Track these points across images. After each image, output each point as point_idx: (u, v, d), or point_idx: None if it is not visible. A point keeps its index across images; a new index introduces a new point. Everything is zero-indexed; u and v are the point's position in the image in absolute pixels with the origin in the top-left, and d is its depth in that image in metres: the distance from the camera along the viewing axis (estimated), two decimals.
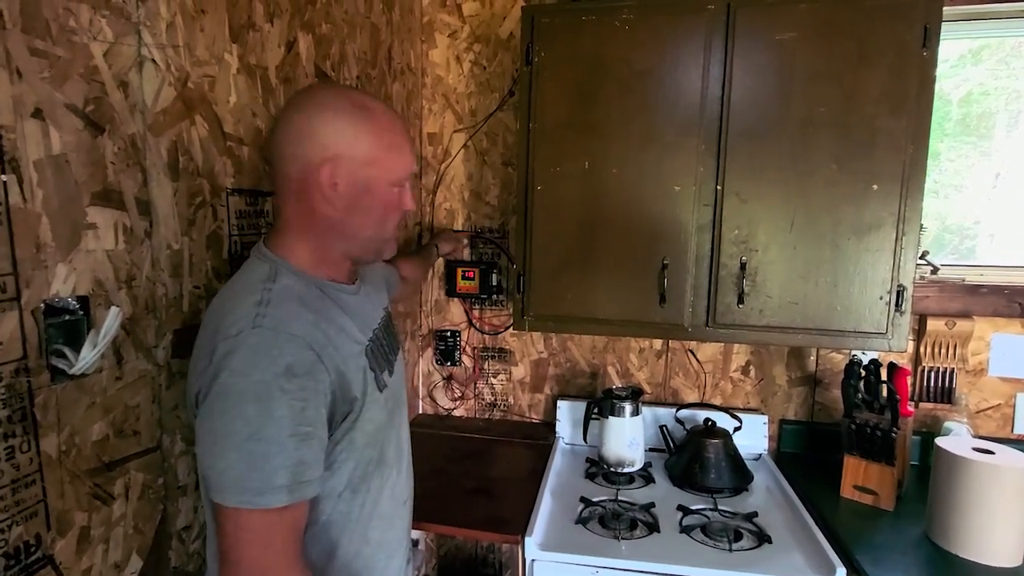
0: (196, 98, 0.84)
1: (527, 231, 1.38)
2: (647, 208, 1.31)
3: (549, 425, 1.76)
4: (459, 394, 1.86)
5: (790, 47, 1.22)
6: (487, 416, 1.85)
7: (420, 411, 1.89)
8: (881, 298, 1.24)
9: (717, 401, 1.68)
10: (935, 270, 1.52)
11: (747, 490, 1.41)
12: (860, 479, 1.35)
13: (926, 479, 1.24)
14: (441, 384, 1.87)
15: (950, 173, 1.65)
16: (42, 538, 0.64)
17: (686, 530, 1.22)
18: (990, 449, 1.16)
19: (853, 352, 1.45)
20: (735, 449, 1.46)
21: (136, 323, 0.76)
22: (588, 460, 1.55)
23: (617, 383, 1.73)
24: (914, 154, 1.19)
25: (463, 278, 1.74)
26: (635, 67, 1.28)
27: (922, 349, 1.55)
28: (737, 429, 1.51)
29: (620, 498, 1.35)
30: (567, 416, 1.69)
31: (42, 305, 0.62)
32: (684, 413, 1.60)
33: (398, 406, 0.89)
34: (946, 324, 1.52)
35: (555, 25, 1.31)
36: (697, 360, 1.69)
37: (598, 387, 1.74)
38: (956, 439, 1.25)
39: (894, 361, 1.39)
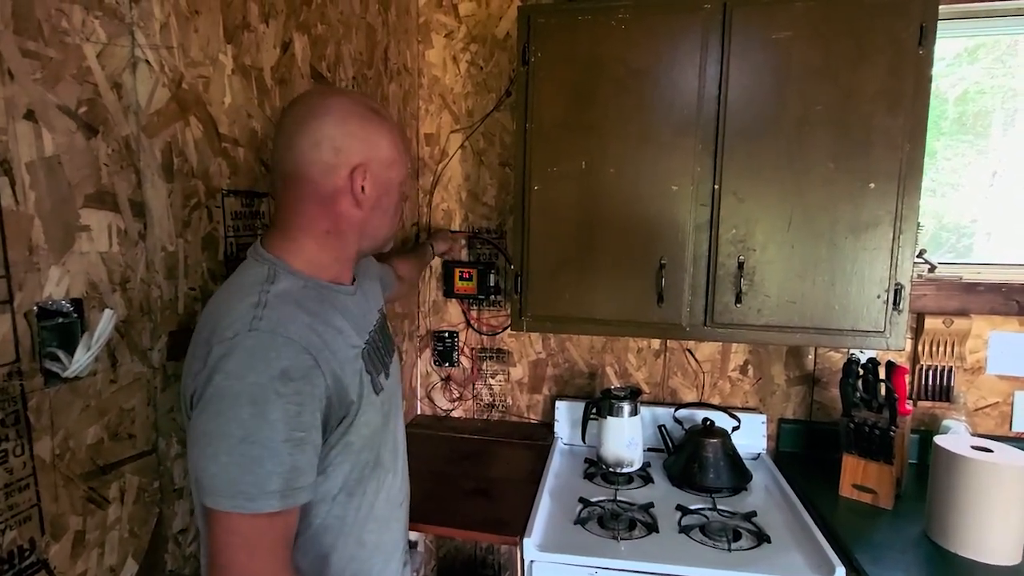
0: (190, 99, 0.84)
1: (524, 231, 1.37)
2: (644, 208, 1.31)
3: (547, 425, 1.76)
4: (457, 395, 1.86)
5: (786, 46, 1.22)
6: (485, 417, 1.85)
7: (418, 412, 1.89)
8: (879, 297, 1.24)
9: (715, 401, 1.68)
10: (932, 268, 1.52)
11: (746, 489, 1.41)
12: (859, 478, 1.35)
13: (925, 478, 1.24)
14: (439, 385, 1.87)
15: (947, 172, 1.65)
16: (36, 543, 0.63)
17: (685, 530, 1.22)
18: (988, 447, 1.16)
19: (851, 351, 1.45)
20: (734, 449, 1.46)
21: (131, 325, 0.75)
22: (587, 460, 1.55)
23: (615, 383, 1.73)
24: (911, 152, 1.19)
25: (461, 279, 1.74)
26: (631, 67, 1.28)
27: (920, 347, 1.55)
28: (736, 428, 1.51)
29: (619, 498, 1.35)
30: (565, 416, 1.69)
31: (35, 308, 0.62)
32: (682, 413, 1.59)
33: (394, 408, 0.89)
34: (944, 322, 1.52)
35: (551, 25, 1.31)
36: (695, 360, 1.69)
37: (596, 387, 1.73)
38: (954, 437, 1.25)
39: (892, 360, 1.39)
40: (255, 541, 0.63)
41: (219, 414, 0.63)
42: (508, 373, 1.81)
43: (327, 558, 0.76)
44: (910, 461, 1.49)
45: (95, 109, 0.68)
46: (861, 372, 1.38)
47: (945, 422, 1.51)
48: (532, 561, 1.15)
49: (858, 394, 1.38)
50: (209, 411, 0.63)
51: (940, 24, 1.17)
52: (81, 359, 0.65)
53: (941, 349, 1.54)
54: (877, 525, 1.24)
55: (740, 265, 1.27)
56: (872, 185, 1.21)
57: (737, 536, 1.20)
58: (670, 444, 1.55)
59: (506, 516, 1.26)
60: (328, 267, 0.79)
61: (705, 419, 1.51)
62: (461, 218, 1.80)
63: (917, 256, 1.42)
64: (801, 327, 1.27)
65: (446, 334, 1.83)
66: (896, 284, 1.23)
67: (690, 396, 1.70)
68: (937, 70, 1.19)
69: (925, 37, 1.17)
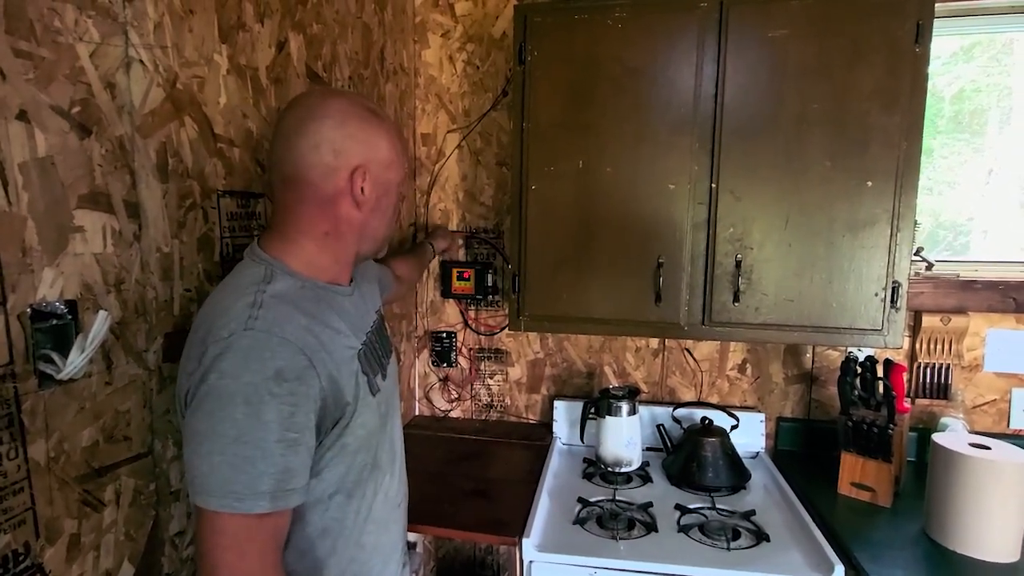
0: (185, 99, 0.83)
1: (522, 231, 1.37)
2: (642, 207, 1.31)
3: (546, 425, 1.76)
4: (455, 395, 1.85)
5: (783, 44, 1.22)
6: (484, 417, 1.84)
7: (416, 413, 1.88)
8: (876, 295, 1.24)
9: (714, 399, 1.68)
10: (930, 266, 1.52)
11: (745, 488, 1.41)
12: (857, 476, 1.35)
13: (923, 475, 1.24)
14: (437, 385, 1.86)
15: (943, 170, 1.66)
16: (31, 546, 0.63)
17: (684, 529, 1.22)
18: (986, 445, 1.16)
19: (849, 349, 1.45)
20: (732, 447, 1.46)
21: (126, 327, 0.75)
22: (585, 460, 1.55)
23: (614, 383, 1.73)
24: (908, 150, 1.19)
25: (458, 279, 1.74)
26: (628, 65, 1.28)
27: (918, 345, 1.55)
28: (734, 427, 1.51)
29: (618, 498, 1.35)
30: (564, 416, 1.68)
31: (29, 309, 0.61)
32: (681, 412, 1.59)
33: (391, 410, 0.89)
34: (941, 320, 1.52)
35: (548, 24, 1.31)
36: (693, 359, 1.69)
37: (595, 387, 1.73)
38: (952, 435, 1.25)
39: (890, 358, 1.39)
40: (245, 542, 0.63)
41: (212, 413, 0.62)
42: (506, 373, 1.81)
43: (326, 560, 0.76)
44: (908, 459, 1.49)
45: (88, 109, 0.68)
46: (859, 370, 1.38)
47: (943, 420, 1.51)
48: (531, 561, 1.15)
49: (856, 392, 1.38)
50: (203, 410, 0.63)
51: (936, 22, 1.17)
52: (75, 361, 0.64)
53: (939, 347, 1.54)
54: (876, 523, 1.24)
55: (738, 264, 1.27)
56: (869, 183, 1.21)
57: (736, 535, 1.20)
58: (669, 443, 1.55)
59: (505, 516, 1.25)
60: (327, 269, 0.79)
61: (703, 418, 1.51)
62: (458, 218, 1.80)
63: (914, 254, 1.43)
64: (799, 325, 1.27)
65: (444, 334, 1.82)
66: (893, 282, 1.23)
67: (688, 395, 1.70)
68: (933, 68, 1.20)
69: (921, 35, 1.17)
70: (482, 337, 1.81)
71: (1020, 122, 1.59)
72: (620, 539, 1.18)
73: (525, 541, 1.15)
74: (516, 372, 1.80)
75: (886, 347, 1.26)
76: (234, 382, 0.62)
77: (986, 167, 1.63)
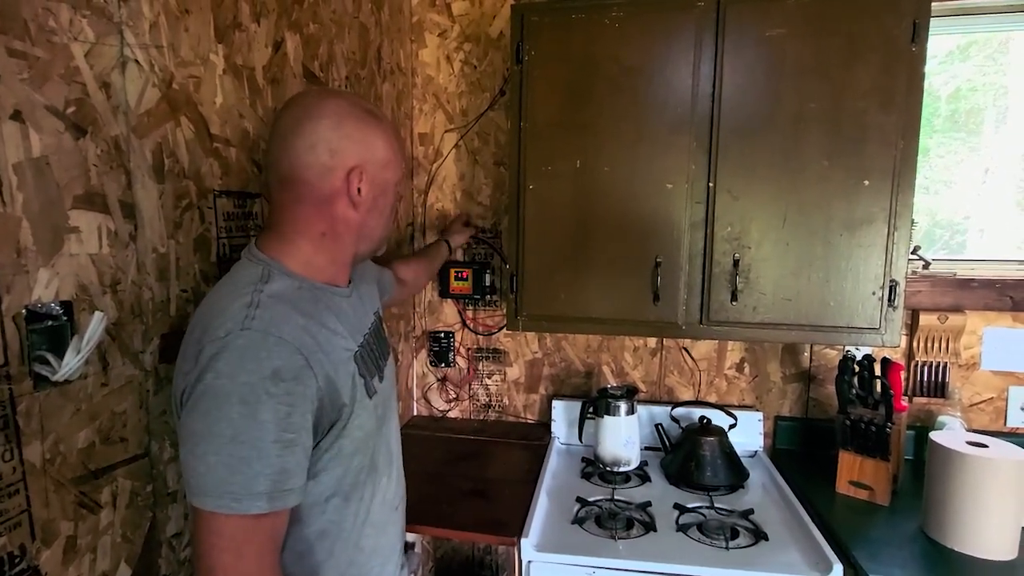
0: (181, 99, 0.83)
1: (520, 231, 1.37)
2: (639, 206, 1.31)
3: (544, 425, 1.76)
4: (453, 395, 1.85)
5: (780, 43, 1.22)
6: (482, 417, 1.84)
7: (414, 413, 1.88)
8: (874, 293, 1.24)
9: (712, 399, 1.68)
10: (927, 265, 1.53)
11: (743, 487, 1.41)
12: (855, 474, 1.35)
13: (921, 474, 1.24)
14: (435, 385, 1.86)
15: (940, 169, 1.66)
16: (27, 548, 0.62)
17: (683, 528, 1.22)
18: (984, 443, 1.16)
19: (847, 348, 1.46)
20: (730, 446, 1.46)
21: (122, 328, 0.74)
22: (584, 460, 1.54)
23: (612, 382, 1.73)
24: (905, 149, 1.20)
25: (456, 278, 1.73)
26: (625, 65, 1.28)
27: (915, 344, 1.56)
28: (732, 426, 1.51)
29: (616, 497, 1.35)
30: (562, 416, 1.68)
31: (24, 311, 0.61)
32: (679, 411, 1.59)
33: (388, 412, 0.88)
34: (938, 318, 1.53)
35: (544, 23, 1.31)
36: (692, 358, 1.69)
37: (593, 386, 1.73)
38: (950, 433, 1.25)
39: (887, 356, 1.40)
40: (242, 543, 0.62)
41: (208, 413, 0.62)
42: (504, 373, 1.80)
43: (323, 563, 0.75)
44: (906, 457, 1.49)
45: (83, 109, 0.68)
46: (857, 369, 1.38)
47: (940, 418, 1.51)
48: (530, 561, 1.15)
49: (854, 391, 1.38)
50: (199, 410, 0.62)
51: (932, 21, 1.18)
52: (71, 362, 0.64)
53: (936, 345, 1.54)
54: (874, 521, 1.24)
55: (735, 263, 1.27)
56: (866, 182, 1.21)
57: (735, 534, 1.20)
58: (667, 443, 1.55)
59: (503, 516, 1.25)
60: (324, 269, 0.78)
61: (702, 417, 1.51)
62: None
63: (911, 253, 1.43)
64: (797, 324, 1.28)
65: (442, 334, 1.82)
66: (891, 281, 1.23)
67: (687, 394, 1.70)
68: (929, 68, 1.20)
69: (918, 34, 1.17)
70: (480, 337, 1.81)
71: (1016, 121, 1.60)
72: (619, 539, 1.18)
73: (524, 541, 1.15)
74: (514, 372, 1.80)
75: (883, 346, 1.26)
76: (230, 382, 0.62)
77: (982, 166, 1.64)
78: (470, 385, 1.83)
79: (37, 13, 0.62)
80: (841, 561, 1.08)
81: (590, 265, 1.34)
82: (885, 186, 1.21)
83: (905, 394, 1.56)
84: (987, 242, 1.64)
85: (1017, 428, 1.55)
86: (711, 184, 1.27)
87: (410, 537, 1.42)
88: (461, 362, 1.83)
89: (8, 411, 0.60)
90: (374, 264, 1.11)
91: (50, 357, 0.63)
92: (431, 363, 1.84)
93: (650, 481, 1.45)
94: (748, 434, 1.59)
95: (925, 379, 1.56)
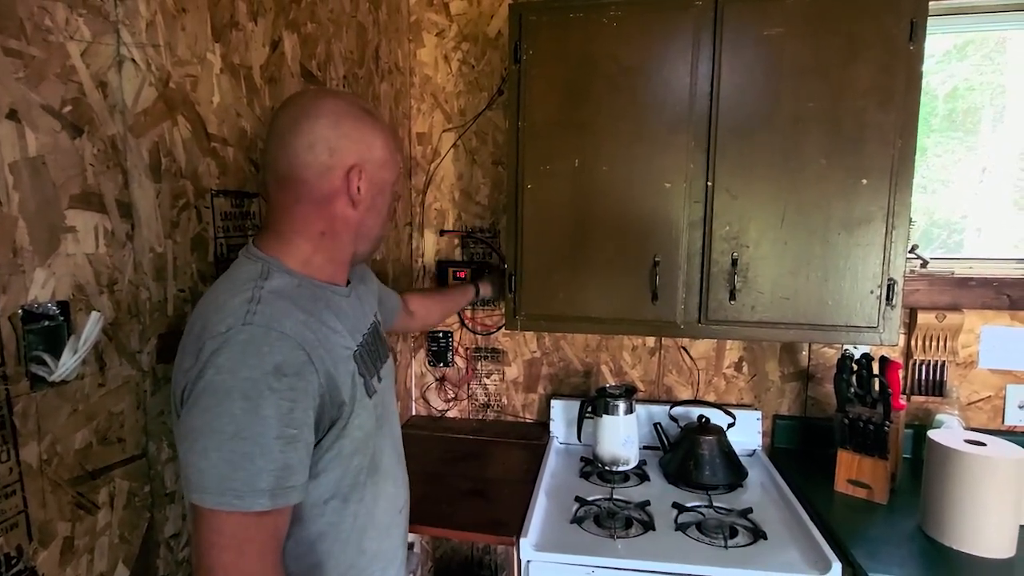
0: (178, 98, 0.83)
1: (518, 230, 1.37)
2: (638, 205, 1.30)
3: (543, 425, 1.76)
4: (452, 395, 1.85)
5: (778, 42, 1.22)
6: (481, 417, 1.84)
7: (413, 413, 1.88)
8: (872, 292, 1.24)
9: (711, 398, 1.68)
10: (924, 264, 1.53)
11: (742, 486, 1.41)
12: (854, 473, 1.35)
13: (919, 472, 1.25)
14: (434, 385, 1.86)
15: (937, 168, 1.66)
16: (24, 549, 0.62)
17: (681, 528, 1.22)
18: (981, 441, 1.16)
19: (845, 346, 1.46)
20: (729, 445, 1.46)
21: (119, 328, 0.74)
22: (583, 459, 1.54)
23: (611, 381, 1.73)
24: (902, 148, 1.20)
25: (454, 278, 1.73)
26: (623, 64, 1.28)
27: (913, 342, 1.56)
28: (731, 425, 1.51)
29: (615, 497, 1.35)
30: (561, 415, 1.68)
31: (20, 311, 0.61)
32: (678, 410, 1.59)
33: (387, 413, 0.88)
34: (936, 317, 1.53)
35: (542, 23, 1.31)
36: (690, 357, 1.69)
37: (592, 386, 1.73)
38: (948, 432, 1.25)
39: (885, 355, 1.40)
40: (244, 541, 0.62)
41: (209, 409, 0.61)
42: (503, 373, 1.80)
43: (322, 565, 0.75)
44: (904, 456, 1.49)
45: (80, 108, 0.67)
46: (855, 368, 1.38)
47: (938, 416, 1.51)
48: (528, 561, 1.15)
49: (852, 390, 1.38)
50: (200, 406, 0.62)
51: (930, 20, 1.18)
52: (68, 362, 0.63)
53: (934, 344, 1.54)
54: (872, 520, 1.24)
55: (734, 262, 1.27)
56: (864, 181, 1.21)
57: (733, 533, 1.20)
58: (666, 442, 1.55)
59: (502, 516, 1.25)
60: (323, 268, 0.78)
61: (700, 416, 1.52)
62: (454, 217, 1.79)
63: (909, 251, 1.43)
64: (795, 323, 1.28)
65: (440, 334, 1.82)
66: (889, 279, 1.23)
67: (685, 393, 1.70)
68: (927, 67, 1.20)
69: (915, 33, 1.17)
70: (478, 337, 1.81)
71: (1013, 120, 1.60)
72: (618, 538, 1.18)
73: (523, 541, 1.15)
74: (513, 371, 1.80)
75: (882, 344, 1.26)
76: (232, 377, 0.62)
77: (979, 165, 1.64)
78: (469, 385, 1.83)
79: (33, 12, 0.61)
80: (840, 560, 1.08)
81: (588, 264, 1.34)
82: (883, 185, 1.21)
83: (903, 393, 1.56)
84: (984, 241, 1.64)
85: (1015, 426, 1.56)
86: (709, 183, 1.27)
87: (409, 537, 1.42)
88: (460, 362, 1.83)
89: (4, 412, 0.59)
90: (376, 278, 1.10)
91: (47, 357, 0.62)
92: (429, 363, 1.84)
93: (649, 480, 1.45)
94: (747, 433, 1.59)
95: (923, 378, 1.56)
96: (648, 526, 1.22)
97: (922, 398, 1.58)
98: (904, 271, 1.23)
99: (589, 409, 1.53)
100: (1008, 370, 1.55)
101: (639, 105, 1.28)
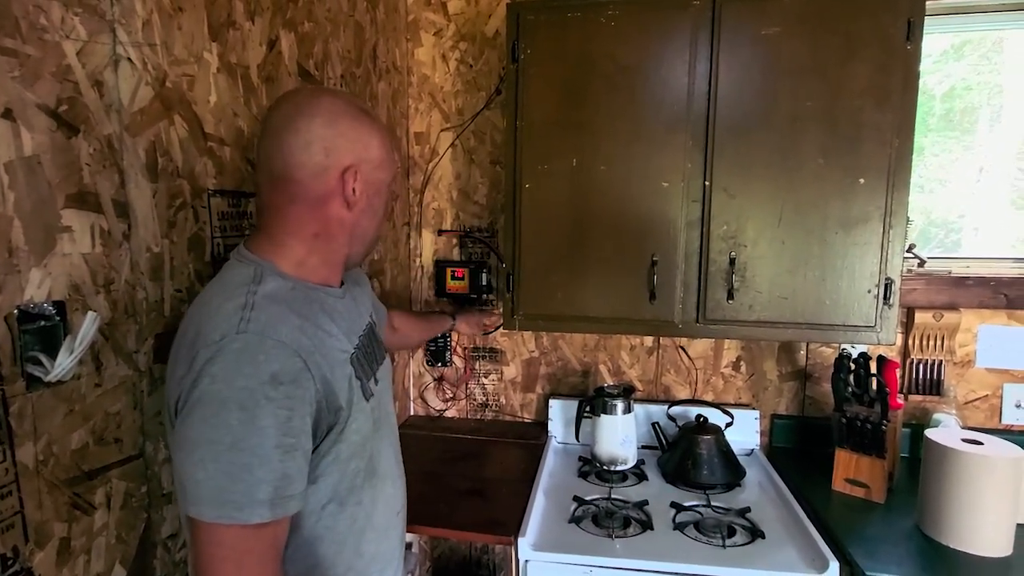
0: (175, 98, 0.82)
1: (516, 230, 1.37)
2: (636, 205, 1.30)
3: (541, 424, 1.76)
4: (450, 395, 1.85)
5: (775, 42, 1.22)
6: (479, 416, 1.84)
7: (411, 412, 1.88)
8: (869, 291, 1.24)
9: (709, 397, 1.68)
10: (922, 263, 1.53)
11: (740, 486, 1.41)
12: (851, 472, 1.35)
13: (916, 471, 1.25)
14: (432, 385, 1.86)
15: (934, 167, 1.67)
16: (20, 551, 0.62)
17: (679, 527, 1.22)
18: (979, 440, 1.17)
19: (843, 346, 1.46)
20: (727, 445, 1.46)
21: (115, 328, 0.74)
22: (581, 459, 1.54)
23: (609, 381, 1.73)
24: (900, 148, 1.20)
25: (452, 278, 1.73)
26: (621, 63, 1.28)
27: (910, 342, 1.56)
28: (729, 425, 1.51)
29: (613, 496, 1.35)
30: (559, 415, 1.68)
31: (16, 311, 0.61)
32: (676, 410, 1.59)
33: (385, 416, 0.87)
34: (934, 316, 1.53)
35: (540, 22, 1.31)
36: (688, 356, 1.69)
37: (590, 385, 1.73)
38: (945, 431, 1.25)
39: (883, 354, 1.40)
40: (243, 553, 0.61)
41: (205, 420, 0.60)
42: (501, 372, 1.80)
43: (319, 568, 0.74)
44: (902, 455, 1.50)
45: (76, 108, 0.67)
46: (852, 367, 1.39)
47: (936, 416, 1.52)
48: (527, 561, 1.15)
49: (850, 389, 1.38)
50: (195, 416, 0.61)
51: (927, 20, 1.18)
52: (64, 363, 0.63)
53: (931, 343, 1.55)
54: (870, 519, 1.25)
55: (732, 261, 1.28)
56: (862, 180, 1.22)
57: (731, 532, 1.20)
58: (664, 441, 1.55)
59: (500, 516, 1.25)
60: (317, 270, 0.77)
61: (698, 416, 1.52)
62: (452, 217, 1.79)
63: (907, 251, 1.43)
64: (793, 323, 1.28)
65: (438, 334, 1.81)
66: (886, 279, 1.23)
67: (683, 393, 1.70)
68: (924, 67, 1.20)
69: (913, 32, 1.17)
70: (477, 336, 1.80)
71: (1010, 120, 1.60)
72: (616, 537, 1.18)
73: (521, 540, 1.15)
74: (511, 371, 1.80)
75: (879, 343, 1.26)
76: (227, 387, 0.60)
77: (977, 165, 1.64)
78: (467, 385, 1.83)
79: (28, 11, 0.61)
80: (837, 558, 1.08)
81: (586, 264, 1.34)
82: (880, 184, 1.21)
83: (901, 392, 1.56)
84: (982, 240, 1.65)
85: (1012, 425, 1.56)
86: (707, 183, 1.27)
87: (407, 537, 1.42)
88: (458, 361, 1.83)
89: (0, 412, 0.59)
90: (370, 287, 1.09)
91: (43, 357, 0.62)
92: (428, 363, 1.84)
93: (647, 480, 1.45)
94: (745, 432, 1.59)
95: (920, 377, 1.57)
96: (646, 525, 1.22)
97: (919, 397, 1.58)
98: (901, 270, 1.24)
99: (587, 409, 1.53)
100: (1005, 369, 1.55)
101: (637, 104, 1.28)
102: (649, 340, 1.71)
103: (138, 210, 0.77)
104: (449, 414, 1.86)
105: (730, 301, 1.29)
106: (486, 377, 1.81)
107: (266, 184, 0.75)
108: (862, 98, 1.20)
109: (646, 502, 1.30)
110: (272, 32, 1.06)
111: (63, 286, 0.66)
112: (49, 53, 0.64)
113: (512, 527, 1.20)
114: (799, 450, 1.61)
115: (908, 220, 1.24)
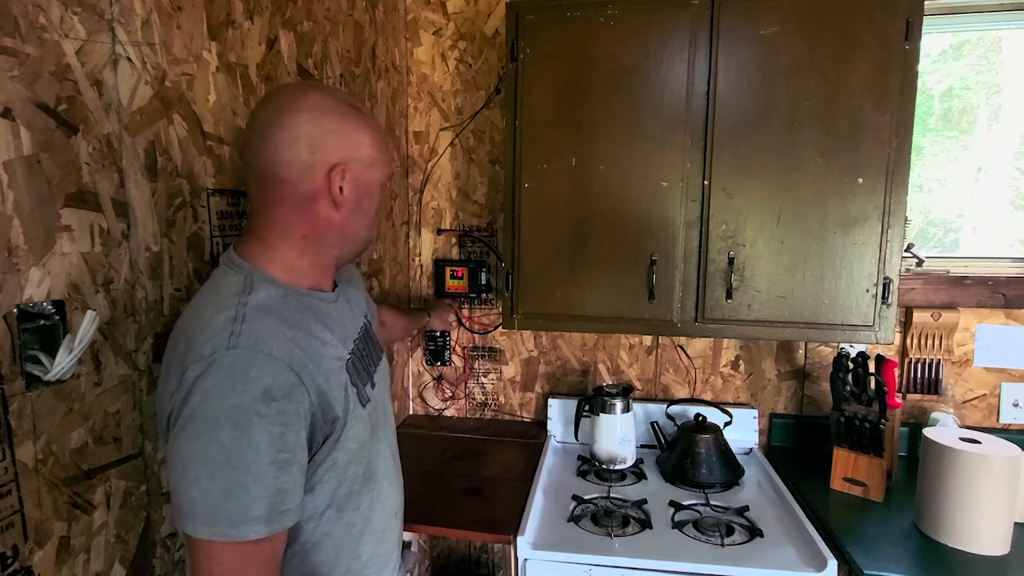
0: (174, 97, 0.82)
1: (515, 229, 1.37)
2: (635, 204, 1.31)
3: (540, 424, 1.76)
4: (449, 394, 1.85)
5: (774, 42, 1.22)
6: (478, 416, 1.84)
7: (410, 412, 1.88)
8: (868, 291, 1.24)
9: (707, 396, 1.69)
10: (920, 262, 1.53)
11: (738, 484, 1.42)
12: (850, 471, 1.36)
13: (914, 470, 1.25)
14: (431, 384, 1.86)
15: (933, 167, 1.67)
16: (19, 550, 0.62)
17: (678, 526, 1.22)
18: (976, 439, 1.17)
19: (841, 345, 1.46)
20: (726, 444, 1.46)
21: (115, 327, 0.74)
22: (580, 458, 1.55)
23: (608, 380, 1.73)
24: (898, 147, 1.20)
25: (452, 277, 1.73)
26: (620, 63, 1.28)
27: (909, 341, 1.56)
28: (727, 424, 1.51)
29: (612, 495, 1.35)
30: (558, 414, 1.68)
31: (15, 310, 0.61)
32: (675, 409, 1.60)
33: (383, 418, 0.86)
34: (932, 316, 1.53)
35: (539, 21, 1.31)
36: (687, 356, 1.69)
37: (589, 385, 1.73)
38: (943, 430, 1.25)
39: (881, 353, 1.40)
40: (242, 568, 0.61)
41: (198, 437, 0.59)
42: (500, 371, 1.80)
43: (317, 572, 0.74)
44: (900, 454, 1.50)
45: (75, 107, 0.67)
46: (851, 366, 1.39)
47: (934, 415, 1.52)
48: (526, 559, 1.15)
49: (848, 388, 1.39)
50: (187, 433, 0.60)
51: (925, 20, 1.18)
52: (63, 362, 0.63)
53: (929, 342, 1.55)
54: (868, 518, 1.25)
55: (730, 261, 1.28)
56: (860, 180, 1.22)
57: (730, 531, 1.20)
58: (663, 440, 1.55)
59: (499, 515, 1.25)
60: (307, 274, 0.75)
61: (697, 415, 1.52)
62: (451, 216, 1.79)
63: (905, 250, 1.43)
64: (791, 322, 1.28)
65: (437, 333, 1.82)
66: (884, 278, 1.24)
67: (682, 392, 1.70)
68: (922, 66, 1.20)
69: (911, 32, 1.18)
70: (476, 336, 1.81)
71: (1009, 119, 1.61)
72: (615, 536, 1.18)
73: (520, 539, 1.15)
74: (510, 370, 1.80)
75: (877, 343, 1.26)
76: (219, 404, 0.59)
77: (975, 164, 1.64)
78: (466, 384, 1.83)
79: (28, 10, 0.61)
80: (836, 557, 1.08)
81: (585, 263, 1.34)
82: (879, 184, 1.21)
83: (899, 391, 1.57)
84: (980, 240, 1.65)
85: (1010, 424, 1.56)
86: (706, 182, 1.28)
87: (406, 536, 1.42)
88: (457, 361, 1.83)
89: (0, 411, 0.59)
90: (365, 294, 1.07)
91: (42, 357, 0.62)
92: (427, 362, 1.84)
93: (646, 479, 1.45)
94: (743, 431, 1.59)
95: (919, 376, 1.57)
96: (645, 524, 1.23)
97: (917, 396, 1.58)
98: (900, 270, 1.24)
99: (586, 408, 1.54)
100: (1003, 368, 1.56)
101: (636, 104, 1.28)
102: (648, 339, 1.71)
103: (137, 209, 0.77)
104: (448, 413, 1.86)
105: (729, 300, 1.29)
106: (485, 376, 1.82)
107: (253, 183, 0.73)
108: (861, 98, 1.20)
109: (645, 501, 1.30)
110: (271, 31, 1.06)
111: (62, 285, 0.66)
112: (48, 52, 0.64)
113: (511, 526, 1.20)
114: (797, 449, 1.61)
115: (906, 220, 1.24)
